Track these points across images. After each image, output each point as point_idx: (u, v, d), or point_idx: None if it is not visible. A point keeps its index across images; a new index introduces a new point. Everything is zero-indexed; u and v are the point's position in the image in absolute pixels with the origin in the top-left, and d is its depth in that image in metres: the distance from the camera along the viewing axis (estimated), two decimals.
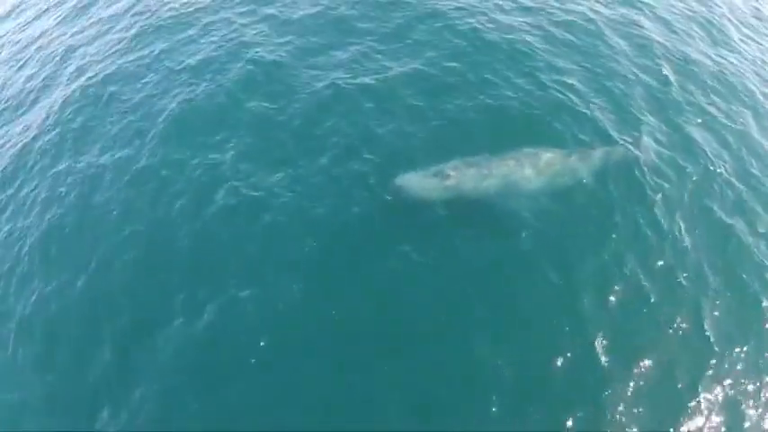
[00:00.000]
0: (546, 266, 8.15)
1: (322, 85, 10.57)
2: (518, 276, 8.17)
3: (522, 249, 8.38)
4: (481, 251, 8.35)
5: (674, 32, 12.64)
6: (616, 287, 7.99)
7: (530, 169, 9.22)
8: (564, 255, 8.32)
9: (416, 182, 8.79)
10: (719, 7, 14.21)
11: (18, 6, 17.17)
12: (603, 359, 7.37)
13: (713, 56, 12.33)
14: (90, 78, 12.48)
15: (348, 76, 10.76)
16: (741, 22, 13.97)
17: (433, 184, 8.80)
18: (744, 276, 8.41)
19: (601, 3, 13.16)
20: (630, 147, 9.81)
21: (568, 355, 7.38)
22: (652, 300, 7.94)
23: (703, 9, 13.90)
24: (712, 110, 10.90)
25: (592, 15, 12.56)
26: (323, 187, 8.98)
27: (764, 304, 8.19)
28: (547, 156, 9.40)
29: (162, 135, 10.47)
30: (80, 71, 12.82)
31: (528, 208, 8.82)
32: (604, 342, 7.48)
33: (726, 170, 9.74)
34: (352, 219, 8.59)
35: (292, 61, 11.38)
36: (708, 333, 7.78)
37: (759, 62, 12.71)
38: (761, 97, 11.60)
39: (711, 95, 11.18)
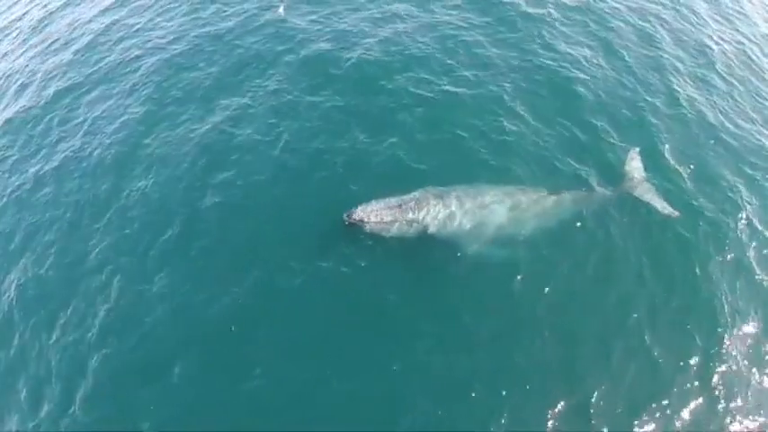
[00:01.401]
0: (513, 319, 7.62)
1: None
2: (477, 327, 7.54)
3: (488, 298, 7.80)
4: (443, 296, 7.80)
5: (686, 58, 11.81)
6: (596, 339, 7.51)
7: (505, 208, 8.49)
8: (534, 306, 7.76)
9: (375, 212, 8.12)
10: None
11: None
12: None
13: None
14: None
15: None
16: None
17: (394, 217, 8.15)
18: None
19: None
20: (612, 190, 9.09)
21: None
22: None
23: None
24: (726, 138, 10.06)
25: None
26: (272, 213, 8.55)
27: None
28: (526, 195, 8.67)
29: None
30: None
31: (499, 254, 8.18)
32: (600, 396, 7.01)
33: (729, 210, 8.93)
34: (303, 252, 8.09)
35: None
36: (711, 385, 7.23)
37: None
38: None
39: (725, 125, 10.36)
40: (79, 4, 15.21)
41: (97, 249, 8.69)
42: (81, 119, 11.11)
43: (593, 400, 6.97)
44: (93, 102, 11.43)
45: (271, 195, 8.89)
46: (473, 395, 6.93)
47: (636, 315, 7.70)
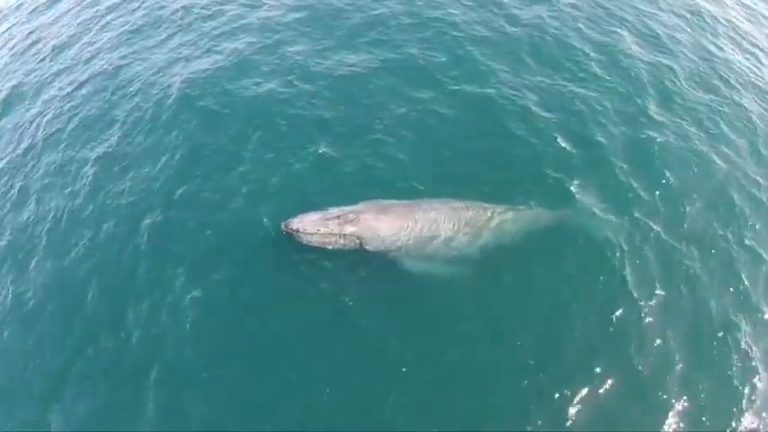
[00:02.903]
0: (447, 338, 7.32)
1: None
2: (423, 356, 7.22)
3: (432, 324, 7.46)
4: (379, 317, 7.47)
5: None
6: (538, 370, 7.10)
7: (453, 225, 8.06)
8: (476, 323, 7.45)
9: (312, 223, 7.78)
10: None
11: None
12: None
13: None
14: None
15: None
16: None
17: (331, 228, 7.81)
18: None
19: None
20: (566, 209, 8.60)
21: None
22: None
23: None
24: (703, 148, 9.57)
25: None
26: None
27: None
28: (475, 211, 8.23)
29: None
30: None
31: (445, 274, 7.87)
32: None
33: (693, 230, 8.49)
34: (232, 266, 7.90)
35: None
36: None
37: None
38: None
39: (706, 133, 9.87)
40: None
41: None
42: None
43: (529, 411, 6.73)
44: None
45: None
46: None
47: (582, 330, 7.39)
